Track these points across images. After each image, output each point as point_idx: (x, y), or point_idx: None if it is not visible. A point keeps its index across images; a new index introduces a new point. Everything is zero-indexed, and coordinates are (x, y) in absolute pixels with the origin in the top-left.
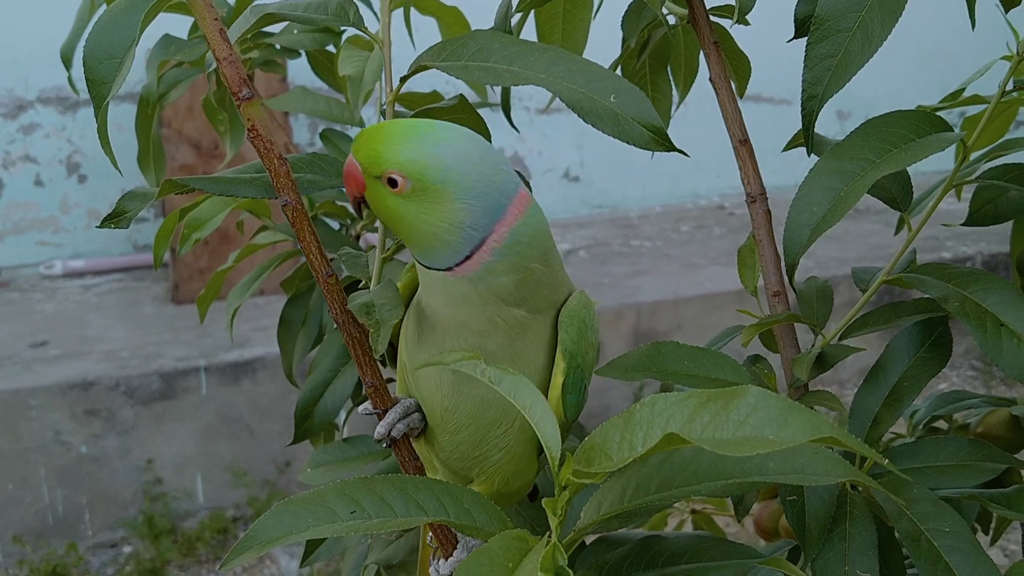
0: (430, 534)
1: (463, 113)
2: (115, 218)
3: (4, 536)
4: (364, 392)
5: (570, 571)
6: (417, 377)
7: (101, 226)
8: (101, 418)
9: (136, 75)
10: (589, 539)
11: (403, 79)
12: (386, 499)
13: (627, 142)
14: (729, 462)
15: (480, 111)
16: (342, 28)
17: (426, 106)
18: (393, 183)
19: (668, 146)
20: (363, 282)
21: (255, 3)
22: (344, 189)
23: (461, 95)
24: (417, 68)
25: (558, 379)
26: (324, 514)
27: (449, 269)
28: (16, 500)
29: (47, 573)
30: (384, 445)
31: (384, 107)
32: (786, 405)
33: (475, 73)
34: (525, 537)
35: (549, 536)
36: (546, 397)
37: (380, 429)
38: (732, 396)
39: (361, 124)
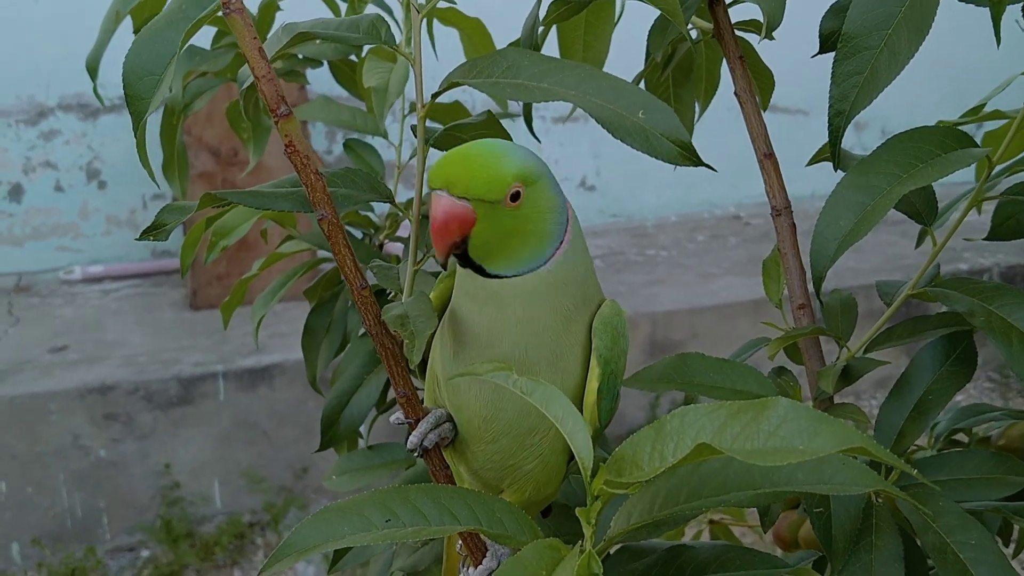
0: (459, 542)
1: (490, 129)
2: (154, 230)
3: (23, 539)
4: (396, 401)
5: None
6: (455, 388)
7: (140, 238)
8: (119, 423)
9: None
10: (612, 549)
11: (434, 95)
12: (420, 508)
13: (656, 157)
14: (758, 472)
15: (500, 121)
16: None
17: (455, 121)
18: (515, 196)
19: (696, 160)
20: (392, 293)
21: (285, 21)
22: (431, 240)
23: (489, 111)
24: (448, 85)
25: (593, 384)
26: (360, 523)
27: (530, 270)
28: (35, 503)
29: None
30: (416, 455)
31: (415, 123)
32: (816, 416)
33: (506, 90)
34: (557, 546)
35: (581, 545)
36: (581, 402)
37: (413, 439)
38: (762, 407)
39: (385, 135)
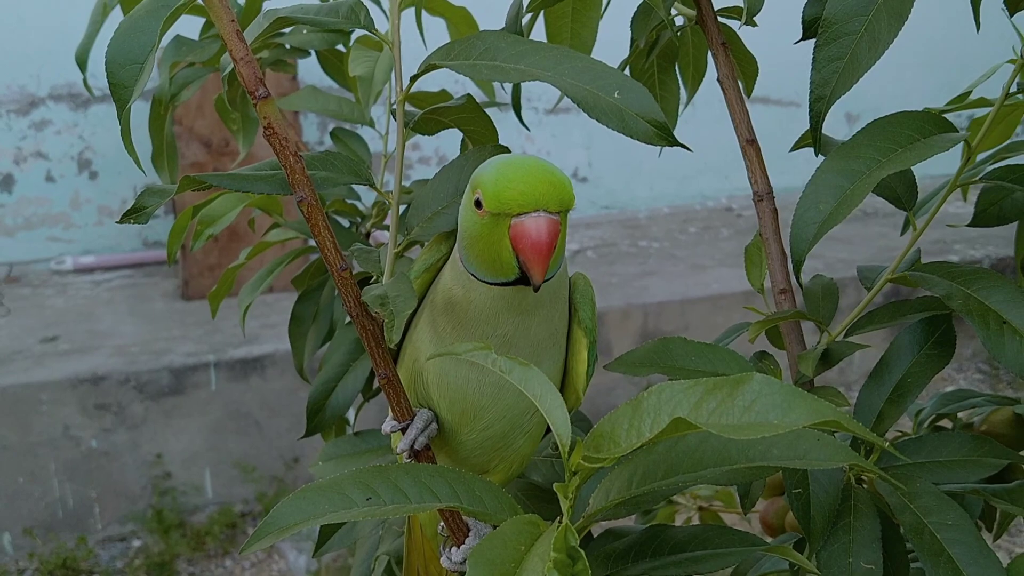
0: (441, 523)
1: (470, 112)
2: (135, 213)
3: (15, 529)
4: (377, 384)
5: (582, 552)
6: (450, 383)
7: (121, 221)
8: (111, 413)
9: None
10: (595, 532)
11: (413, 78)
12: (400, 486)
13: (631, 136)
14: (734, 448)
15: (489, 110)
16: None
17: (435, 105)
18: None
19: (671, 140)
20: (374, 278)
21: (268, 8)
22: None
23: (469, 95)
24: (427, 67)
25: (583, 354)
26: (340, 501)
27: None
28: (26, 493)
29: (57, 566)
30: (406, 458)
31: (395, 106)
32: (790, 391)
33: (483, 71)
34: (536, 522)
35: (559, 521)
36: (562, 374)
37: (402, 445)
38: (738, 383)
39: (371, 124)
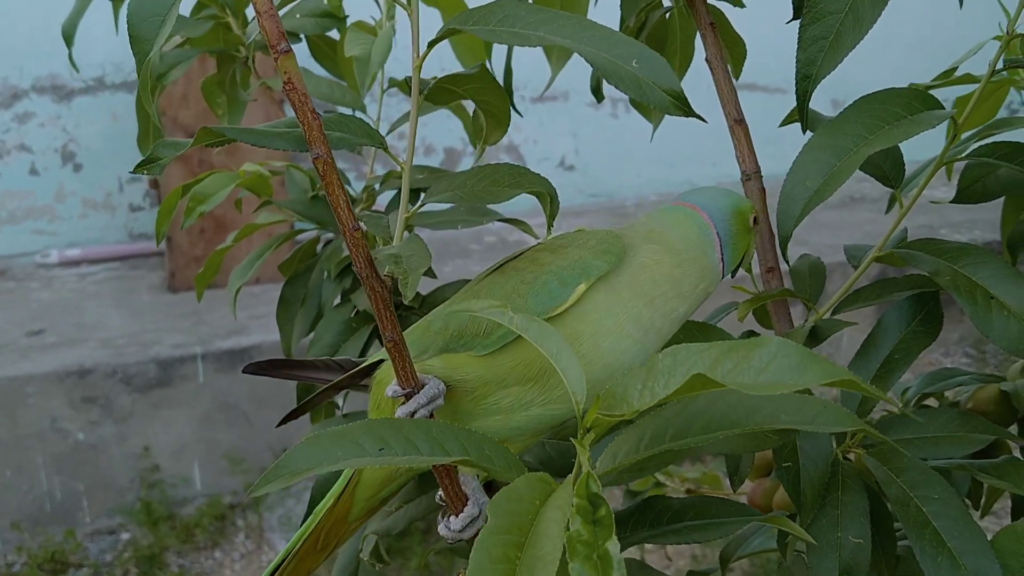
0: (439, 492)
1: (483, 82)
2: (149, 164)
3: (2, 523)
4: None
5: (604, 498)
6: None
7: (135, 171)
8: (98, 405)
9: (131, 62)
10: None
11: (431, 43)
12: (412, 439)
13: (648, 104)
14: (743, 412)
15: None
16: (345, 14)
17: (448, 73)
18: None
19: (687, 110)
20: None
21: None
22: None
23: (483, 64)
24: (447, 32)
25: None
26: (353, 448)
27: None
28: (14, 487)
29: (45, 560)
30: None
31: (396, 96)
32: (805, 353)
33: (503, 37)
34: (547, 479)
35: (573, 474)
36: None
37: (401, 411)
38: (753, 346)
39: (363, 108)
